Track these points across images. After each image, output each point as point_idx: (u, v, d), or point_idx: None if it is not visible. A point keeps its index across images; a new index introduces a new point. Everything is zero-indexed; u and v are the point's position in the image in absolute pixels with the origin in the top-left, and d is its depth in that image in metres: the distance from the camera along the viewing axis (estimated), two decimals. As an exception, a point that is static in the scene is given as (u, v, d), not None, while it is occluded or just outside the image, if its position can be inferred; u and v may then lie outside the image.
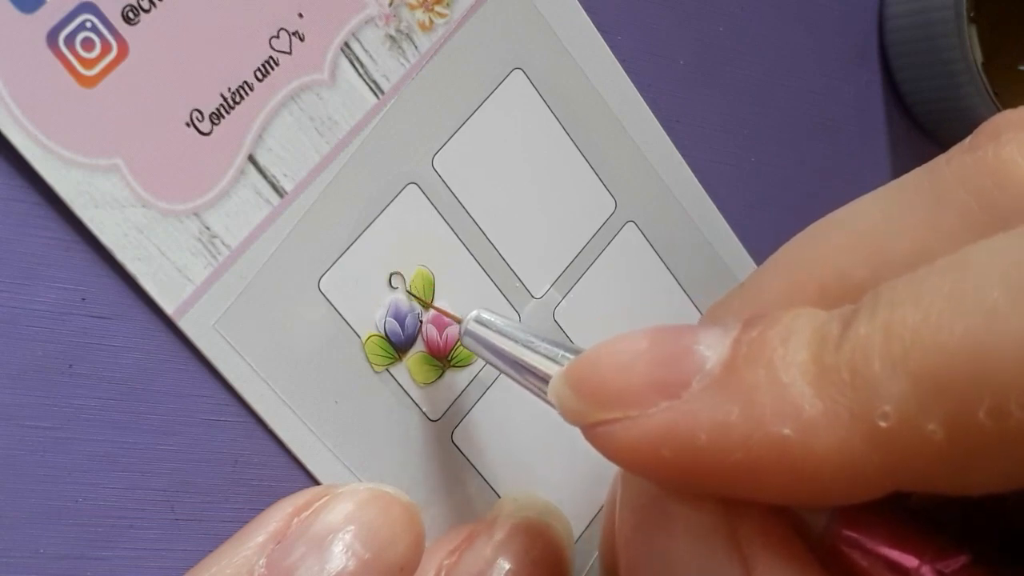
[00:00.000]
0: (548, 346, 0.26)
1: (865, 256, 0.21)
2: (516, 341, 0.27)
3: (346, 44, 0.30)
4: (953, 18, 0.39)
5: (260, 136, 0.29)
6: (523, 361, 0.26)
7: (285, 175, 0.29)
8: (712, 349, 0.19)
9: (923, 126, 0.44)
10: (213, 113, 0.28)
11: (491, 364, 0.29)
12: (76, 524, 0.27)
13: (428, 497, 0.31)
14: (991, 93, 0.39)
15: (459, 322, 0.30)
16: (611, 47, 0.35)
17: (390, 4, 0.30)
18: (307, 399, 0.29)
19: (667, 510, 0.20)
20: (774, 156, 0.40)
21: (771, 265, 0.24)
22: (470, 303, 0.32)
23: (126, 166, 0.27)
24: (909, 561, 0.19)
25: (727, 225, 0.37)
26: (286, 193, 0.29)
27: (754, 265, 0.37)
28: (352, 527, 0.27)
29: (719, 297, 0.26)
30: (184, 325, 0.28)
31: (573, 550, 0.31)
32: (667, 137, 0.36)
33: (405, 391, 0.31)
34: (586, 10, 0.34)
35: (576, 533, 0.33)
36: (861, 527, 0.19)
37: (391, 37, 0.31)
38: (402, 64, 0.31)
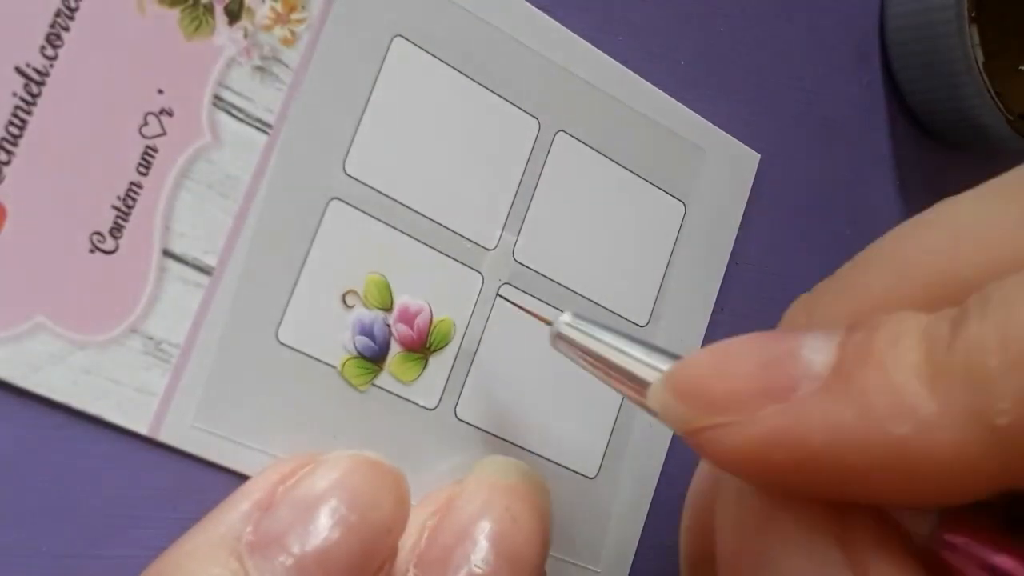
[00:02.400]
0: (643, 350, 0.25)
1: (967, 255, 0.21)
2: (611, 345, 0.26)
3: (216, 97, 0.28)
4: (954, 18, 0.39)
5: (167, 227, 0.28)
6: (620, 366, 0.26)
7: (206, 252, 0.28)
8: (818, 352, 0.19)
9: (924, 126, 0.43)
10: (112, 228, 0.27)
11: (582, 367, 0.28)
12: (77, 523, 0.28)
13: (458, 480, 0.32)
14: (992, 93, 0.39)
15: (549, 324, 0.29)
16: (611, 47, 0.34)
17: (245, 36, 0.28)
18: (306, 446, 0.30)
19: (775, 516, 0.20)
20: (775, 156, 0.39)
21: (869, 259, 0.23)
22: (431, 286, 0.31)
23: (49, 319, 0.27)
24: (1015, 569, 0.19)
25: (656, 89, 0.35)
26: (213, 269, 0.28)
27: (698, 119, 0.36)
28: (337, 492, 0.27)
29: (822, 284, 0.25)
30: (164, 438, 0.28)
31: (551, 510, 0.31)
32: (568, 31, 0.34)
33: (396, 395, 0.31)
34: (585, 10, 0.33)
35: (595, 465, 0.34)
36: (966, 532, 0.20)
37: (258, 68, 0.29)
38: (279, 89, 0.29)
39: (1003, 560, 0.19)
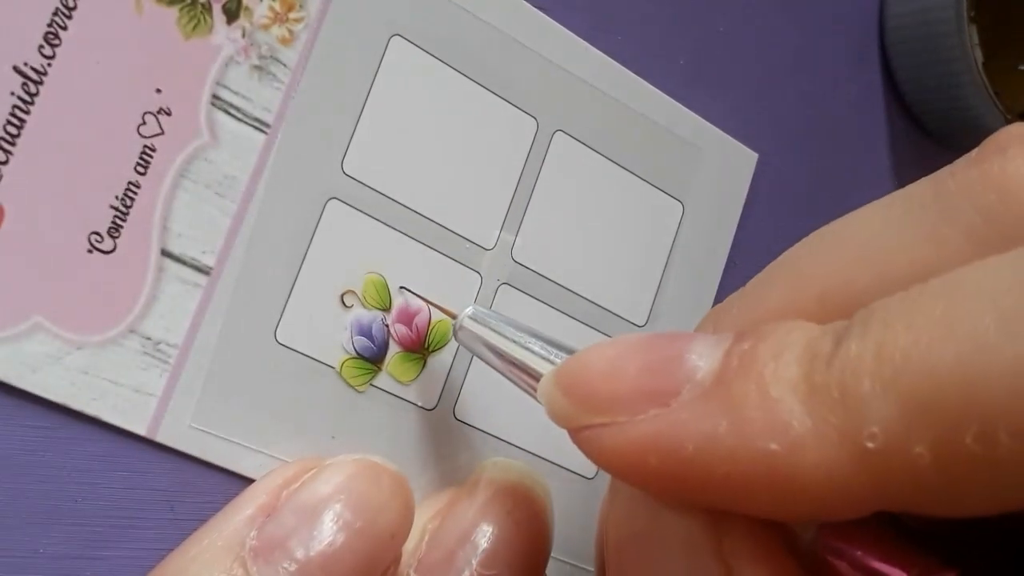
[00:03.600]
0: (542, 344, 0.25)
1: (867, 267, 0.21)
2: (509, 338, 0.26)
3: (214, 96, 0.28)
4: (954, 18, 0.39)
5: (164, 227, 0.28)
6: (516, 359, 0.26)
7: (204, 252, 0.28)
8: (704, 359, 0.19)
9: (924, 126, 0.43)
10: (110, 228, 0.27)
11: (483, 360, 0.28)
12: (76, 524, 0.28)
13: (458, 481, 0.32)
14: (992, 93, 0.39)
15: (454, 317, 0.29)
16: (611, 47, 0.34)
17: (243, 35, 0.28)
18: (304, 447, 0.30)
19: (655, 517, 0.21)
20: (774, 156, 0.39)
21: (772, 272, 0.23)
22: (429, 286, 0.31)
23: (47, 319, 0.26)
24: (896, 574, 0.19)
25: (654, 89, 0.35)
26: (211, 269, 0.28)
27: (697, 118, 0.36)
28: (342, 497, 0.27)
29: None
30: (162, 438, 0.28)
31: (553, 512, 0.31)
32: (567, 31, 0.33)
33: (395, 396, 0.31)
34: (583, 10, 0.33)
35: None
36: (849, 540, 0.20)
37: (256, 67, 0.29)
38: (277, 89, 0.29)
39: (882, 567, 0.19)
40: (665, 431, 0.19)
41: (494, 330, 0.27)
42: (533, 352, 0.25)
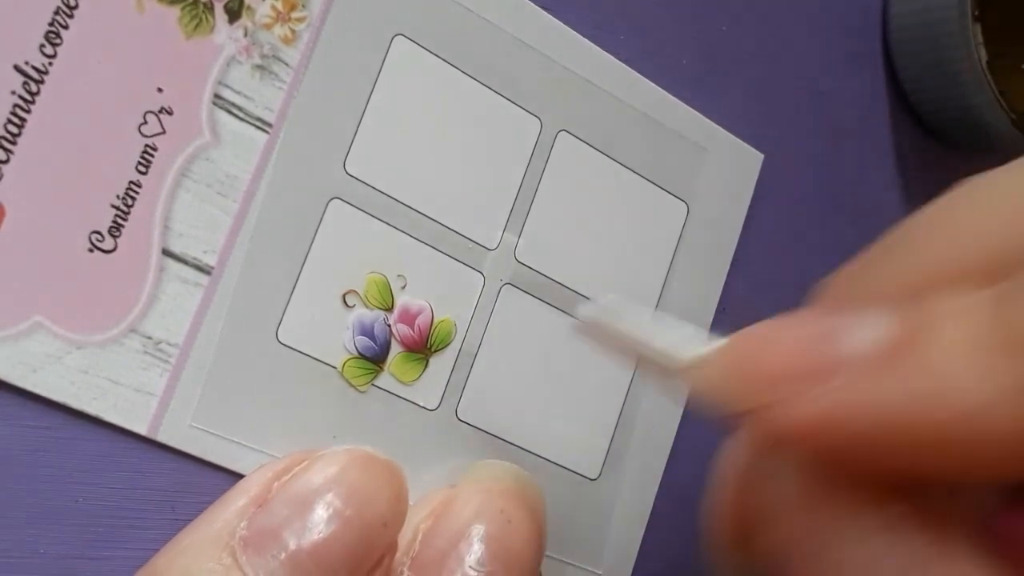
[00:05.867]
0: (675, 331, 0.25)
1: (1013, 229, 0.21)
2: (642, 330, 0.26)
3: (216, 95, 0.28)
4: (957, 17, 0.39)
5: (166, 226, 0.28)
6: (655, 349, 0.25)
7: (205, 252, 0.28)
8: (873, 329, 0.19)
9: (927, 125, 0.43)
10: (111, 227, 0.27)
11: (609, 353, 0.27)
12: (76, 524, 0.28)
13: (459, 481, 0.32)
14: (996, 92, 0.39)
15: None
16: (613, 46, 0.34)
17: (245, 34, 0.28)
18: (305, 447, 0.30)
19: (841, 496, 0.20)
20: (778, 156, 0.39)
21: (914, 234, 0.23)
22: (432, 287, 0.31)
23: (48, 319, 0.26)
24: None
25: (658, 88, 0.35)
26: (212, 268, 0.28)
27: (701, 118, 0.36)
28: (333, 486, 0.27)
29: (868, 256, 0.24)
30: (163, 438, 0.28)
31: (546, 512, 0.31)
32: (571, 30, 0.33)
33: (397, 396, 0.31)
34: (587, 9, 0.33)
35: (597, 466, 0.34)
36: None
37: (258, 67, 0.28)
38: (279, 88, 0.29)
39: None
40: (850, 401, 0.19)
41: (621, 322, 0.26)
42: (668, 339, 0.24)
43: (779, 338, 0.20)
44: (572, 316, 0.28)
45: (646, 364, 0.25)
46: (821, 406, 0.19)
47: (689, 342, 0.24)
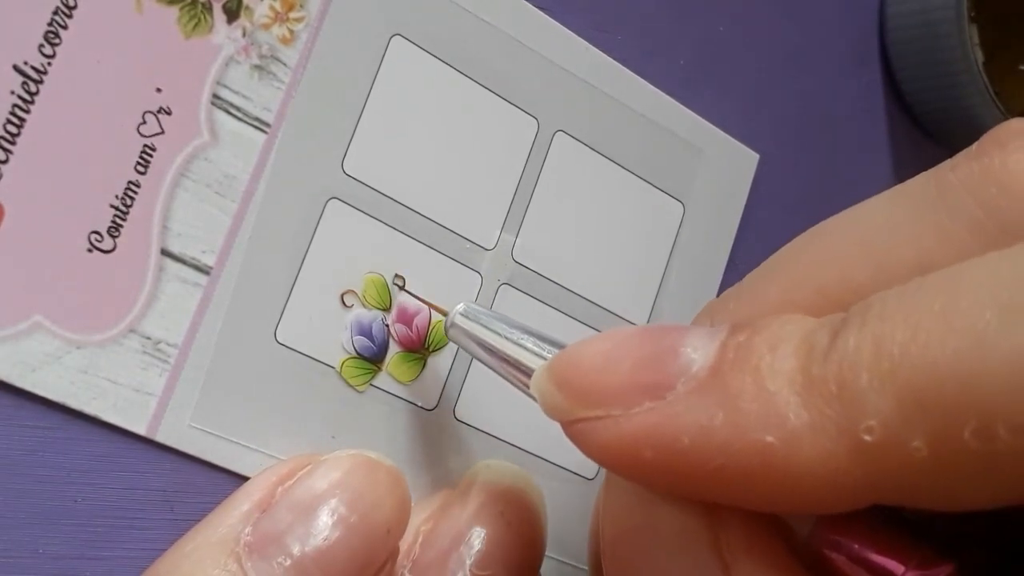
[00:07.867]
0: (534, 340, 0.25)
1: (866, 261, 0.21)
2: (501, 334, 0.26)
3: (214, 96, 0.28)
4: (954, 18, 0.39)
5: (164, 226, 0.28)
6: (508, 355, 0.26)
7: (204, 251, 0.28)
8: (699, 351, 0.19)
9: (924, 126, 0.43)
10: (110, 227, 0.27)
11: (475, 357, 0.28)
12: (76, 524, 0.28)
13: (457, 482, 0.32)
14: (992, 93, 0.39)
15: (445, 314, 0.30)
16: (610, 47, 0.34)
17: (244, 34, 0.28)
18: (304, 447, 0.30)
19: (650, 512, 0.20)
20: (774, 156, 0.39)
21: (769, 266, 0.23)
22: (429, 286, 0.31)
23: (47, 318, 0.26)
24: (894, 567, 0.19)
25: (655, 89, 0.35)
26: (211, 268, 0.28)
27: (698, 119, 0.36)
28: (338, 492, 0.27)
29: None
30: (161, 438, 0.28)
31: (546, 513, 0.31)
32: (568, 31, 0.33)
33: (395, 396, 0.31)
34: (584, 10, 0.33)
35: (594, 466, 0.34)
36: (846, 533, 0.20)
37: (257, 67, 0.29)
38: (277, 88, 0.29)
39: (878, 559, 0.19)
40: (660, 423, 0.19)
41: (486, 326, 0.27)
42: (525, 348, 0.25)
43: (610, 352, 0.20)
44: (448, 319, 0.29)
45: (504, 372, 0.26)
46: (638, 424, 0.19)
47: (545, 351, 0.24)
